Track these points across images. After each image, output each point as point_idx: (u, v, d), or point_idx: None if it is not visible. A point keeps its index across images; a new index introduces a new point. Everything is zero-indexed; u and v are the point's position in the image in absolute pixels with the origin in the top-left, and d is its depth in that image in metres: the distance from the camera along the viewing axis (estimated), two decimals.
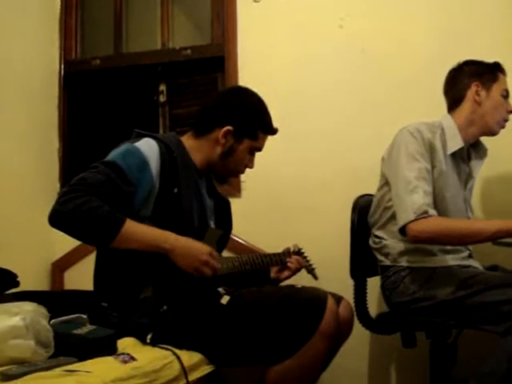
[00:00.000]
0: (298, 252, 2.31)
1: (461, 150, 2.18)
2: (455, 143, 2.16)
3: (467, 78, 2.21)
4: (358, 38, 2.86)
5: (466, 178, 2.25)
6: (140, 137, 1.96)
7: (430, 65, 2.70)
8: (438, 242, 2.04)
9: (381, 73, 2.81)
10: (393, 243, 2.14)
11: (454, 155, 2.17)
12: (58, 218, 1.69)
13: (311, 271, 2.33)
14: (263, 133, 2.10)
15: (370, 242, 2.27)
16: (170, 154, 1.93)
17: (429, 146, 2.10)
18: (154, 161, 1.88)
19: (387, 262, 2.16)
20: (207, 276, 1.83)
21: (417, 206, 1.96)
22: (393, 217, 2.11)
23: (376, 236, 2.22)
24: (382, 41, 2.83)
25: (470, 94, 2.19)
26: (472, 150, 2.28)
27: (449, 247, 2.12)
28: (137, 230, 1.76)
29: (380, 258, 2.20)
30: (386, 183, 2.19)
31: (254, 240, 2.81)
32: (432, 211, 1.97)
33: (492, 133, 2.24)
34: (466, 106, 2.21)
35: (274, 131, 2.14)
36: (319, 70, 2.89)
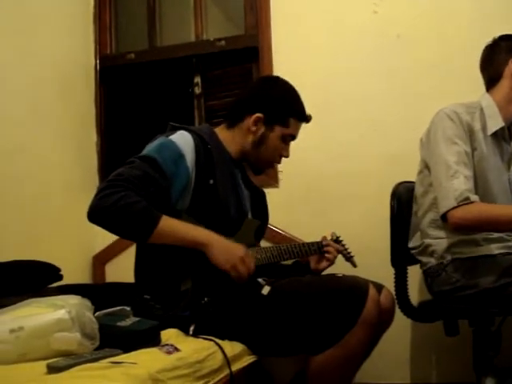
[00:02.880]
0: (336, 240, 2.30)
1: (502, 129, 2.11)
2: (495, 123, 2.10)
3: (504, 55, 2.13)
4: (393, 24, 2.82)
5: (510, 158, 2.17)
6: (174, 130, 1.98)
7: (466, 48, 2.65)
8: (480, 229, 2.00)
9: (417, 58, 2.78)
10: (435, 241, 2.09)
11: (494, 135, 2.11)
12: (96, 214, 1.72)
13: (350, 258, 2.31)
14: (295, 120, 2.09)
15: (410, 244, 2.22)
16: (205, 146, 1.94)
17: (467, 129, 2.04)
18: (189, 153, 1.89)
19: (433, 262, 2.10)
20: (243, 275, 1.81)
21: (458, 192, 1.93)
22: (433, 203, 2.08)
23: (419, 231, 2.18)
24: (418, 25, 2.79)
25: (508, 71, 2.12)
26: None
27: (494, 235, 2.06)
28: (172, 227, 1.76)
29: (425, 260, 2.14)
30: (425, 167, 2.15)
31: (293, 230, 2.80)
32: (474, 197, 1.94)
33: None
34: (505, 84, 2.13)
35: (306, 118, 2.13)
36: (354, 57, 2.86)
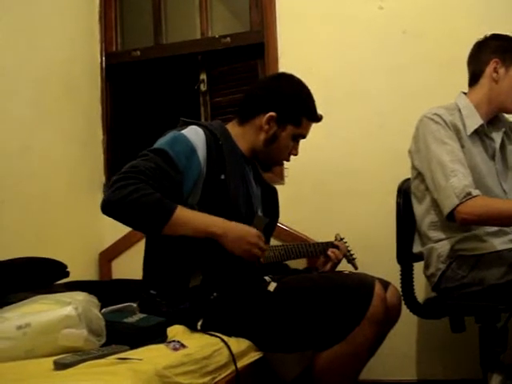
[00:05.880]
0: (341, 241, 2.30)
1: (482, 127, 2.12)
2: (473, 122, 2.11)
3: (489, 54, 2.14)
4: (399, 19, 2.81)
5: (493, 154, 2.17)
6: (186, 125, 1.98)
7: (473, 44, 2.64)
8: (488, 222, 2.00)
9: (423, 54, 2.76)
10: (438, 243, 2.10)
11: (477, 133, 2.12)
12: (110, 206, 1.72)
13: (351, 261, 2.33)
14: (307, 120, 2.09)
15: (415, 250, 2.22)
16: (216, 142, 1.94)
17: (453, 128, 2.07)
18: (201, 148, 1.89)
19: (443, 267, 2.09)
20: (258, 257, 1.83)
21: (458, 189, 1.94)
22: (431, 205, 2.10)
23: (419, 236, 2.18)
24: (424, 21, 2.78)
25: (489, 70, 2.13)
26: (490, 126, 2.19)
27: (494, 228, 2.06)
28: (187, 217, 1.77)
29: (434, 270, 2.11)
30: (417, 175, 2.16)
31: (299, 227, 2.80)
32: (475, 191, 1.95)
33: (508, 111, 2.19)
34: (485, 83, 2.15)
35: (318, 118, 2.12)
36: (360, 53, 2.86)
